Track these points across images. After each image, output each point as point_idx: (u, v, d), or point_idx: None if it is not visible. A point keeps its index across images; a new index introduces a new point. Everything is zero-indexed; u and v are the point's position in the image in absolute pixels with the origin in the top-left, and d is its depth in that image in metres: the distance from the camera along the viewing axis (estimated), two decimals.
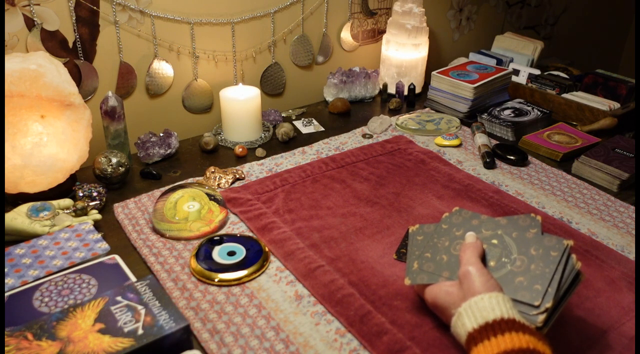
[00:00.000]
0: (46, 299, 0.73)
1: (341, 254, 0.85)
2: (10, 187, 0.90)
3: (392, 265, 0.83)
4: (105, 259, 0.82)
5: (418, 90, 1.47)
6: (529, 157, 1.15)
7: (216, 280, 0.79)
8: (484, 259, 0.69)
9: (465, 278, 0.65)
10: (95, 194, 0.95)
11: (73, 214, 0.91)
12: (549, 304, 0.62)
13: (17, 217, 0.85)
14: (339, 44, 1.45)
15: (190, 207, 0.91)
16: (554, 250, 0.66)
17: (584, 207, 0.99)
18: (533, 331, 0.59)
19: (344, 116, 1.36)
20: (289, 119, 1.33)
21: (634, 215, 0.97)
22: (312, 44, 1.38)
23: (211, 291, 0.78)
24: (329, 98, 1.42)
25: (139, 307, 0.67)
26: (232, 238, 0.87)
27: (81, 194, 0.94)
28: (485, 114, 1.29)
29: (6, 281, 0.76)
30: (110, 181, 1.00)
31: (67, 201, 0.92)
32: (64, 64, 1.05)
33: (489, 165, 1.11)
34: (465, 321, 0.61)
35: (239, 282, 0.79)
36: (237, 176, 1.06)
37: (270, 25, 1.30)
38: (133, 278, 0.78)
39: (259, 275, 0.81)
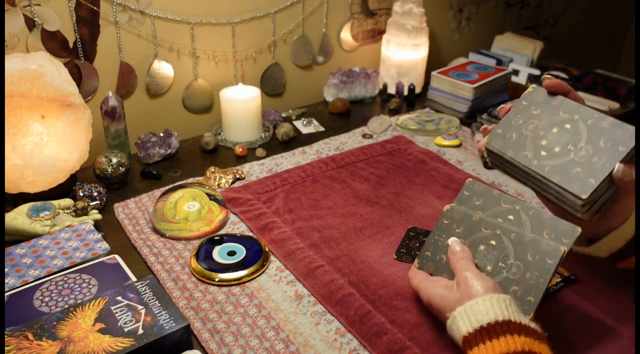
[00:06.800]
0: (47, 299, 0.73)
1: (341, 254, 0.85)
2: (11, 187, 0.90)
3: (392, 265, 0.83)
4: (106, 259, 0.82)
5: (418, 90, 1.47)
6: None
7: (216, 280, 0.79)
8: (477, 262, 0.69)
9: (462, 283, 0.65)
10: (95, 194, 0.95)
11: (73, 214, 0.91)
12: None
13: (18, 217, 0.86)
14: (339, 44, 1.45)
15: (191, 207, 0.91)
16: (550, 257, 0.65)
17: None
18: (530, 330, 0.59)
19: (344, 116, 1.36)
20: (289, 119, 1.33)
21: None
22: (312, 44, 1.38)
23: (211, 291, 0.78)
24: (329, 98, 1.42)
25: (139, 307, 0.67)
26: (232, 238, 0.87)
27: (81, 194, 0.94)
28: (485, 114, 1.29)
29: (7, 280, 0.76)
30: (110, 181, 1.00)
31: (67, 201, 0.92)
32: (65, 64, 1.05)
33: (489, 165, 1.11)
34: (460, 324, 0.61)
35: (239, 282, 0.80)
36: (237, 176, 1.06)
37: (271, 25, 1.30)
38: (133, 278, 0.79)
39: (259, 275, 0.81)
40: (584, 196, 0.63)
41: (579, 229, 0.65)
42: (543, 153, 0.70)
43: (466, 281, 0.64)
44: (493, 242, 0.69)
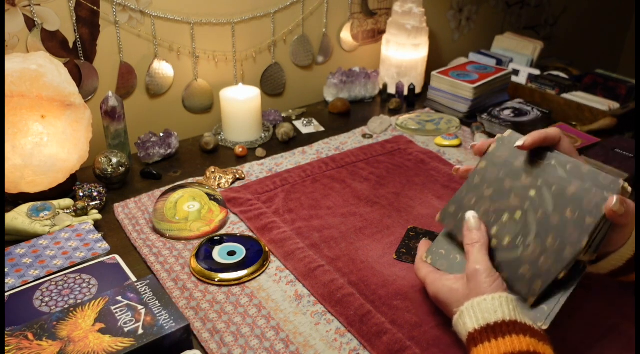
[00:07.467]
0: (47, 299, 0.73)
1: (341, 254, 0.85)
2: (11, 187, 0.90)
3: (392, 265, 0.83)
4: (106, 259, 0.82)
5: (418, 90, 1.47)
6: None
7: (216, 280, 0.79)
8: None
9: (472, 277, 0.64)
10: (95, 194, 0.95)
11: (73, 214, 0.91)
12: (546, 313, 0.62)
13: (18, 217, 0.86)
14: (339, 44, 1.45)
15: (191, 207, 0.91)
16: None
17: None
18: (535, 332, 0.59)
19: (344, 116, 1.36)
20: (289, 119, 1.33)
21: None
22: (312, 44, 1.38)
23: (211, 291, 0.78)
24: (329, 98, 1.42)
25: (139, 307, 0.67)
26: (232, 238, 0.87)
27: (81, 194, 0.94)
28: (485, 114, 1.29)
29: (7, 280, 0.76)
30: (110, 181, 1.00)
31: (67, 201, 0.92)
32: (65, 64, 1.05)
33: None
34: (467, 320, 0.61)
35: (239, 282, 0.80)
36: (237, 176, 1.06)
37: (271, 25, 1.30)
38: (133, 278, 0.79)
39: (259, 275, 0.81)
40: (529, 301, 0.62)
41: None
42: (493, 241, 0.67)
43: (476, 277, 0.63)
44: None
